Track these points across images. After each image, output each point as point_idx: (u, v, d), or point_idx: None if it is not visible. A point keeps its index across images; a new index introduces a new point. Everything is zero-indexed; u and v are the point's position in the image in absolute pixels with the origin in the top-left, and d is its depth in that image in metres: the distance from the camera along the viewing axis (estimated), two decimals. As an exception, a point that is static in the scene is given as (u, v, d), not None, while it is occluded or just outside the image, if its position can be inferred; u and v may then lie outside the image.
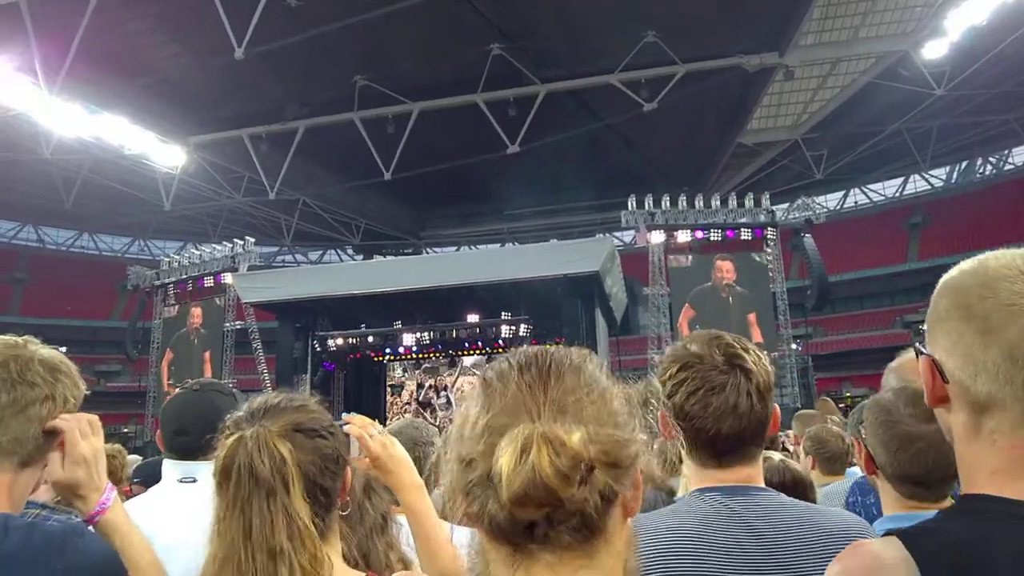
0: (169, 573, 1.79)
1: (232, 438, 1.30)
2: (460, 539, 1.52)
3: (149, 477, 3.73)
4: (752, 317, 20.60)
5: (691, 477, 1.55)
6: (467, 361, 19.78)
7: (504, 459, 0.74)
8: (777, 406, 1.57)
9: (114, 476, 3.99)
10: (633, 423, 0.84)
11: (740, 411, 1.45)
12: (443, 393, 19.91)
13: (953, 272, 1.00)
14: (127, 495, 3.84)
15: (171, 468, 2.15)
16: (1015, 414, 0.90)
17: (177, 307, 23.50)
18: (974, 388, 0.93)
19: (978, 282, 0.95)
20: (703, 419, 1.45)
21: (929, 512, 1.67)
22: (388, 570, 1.39)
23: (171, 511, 2.01)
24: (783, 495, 1.52)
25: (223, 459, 1.29)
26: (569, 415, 0.78)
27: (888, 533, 0.95)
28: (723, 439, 1.45)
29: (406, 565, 1.41)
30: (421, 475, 2.30)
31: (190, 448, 2.14)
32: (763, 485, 1.53)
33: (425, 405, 20.15)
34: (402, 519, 1.55)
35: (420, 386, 20.07)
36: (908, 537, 0.91)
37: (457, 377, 19.98)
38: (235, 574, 1.23)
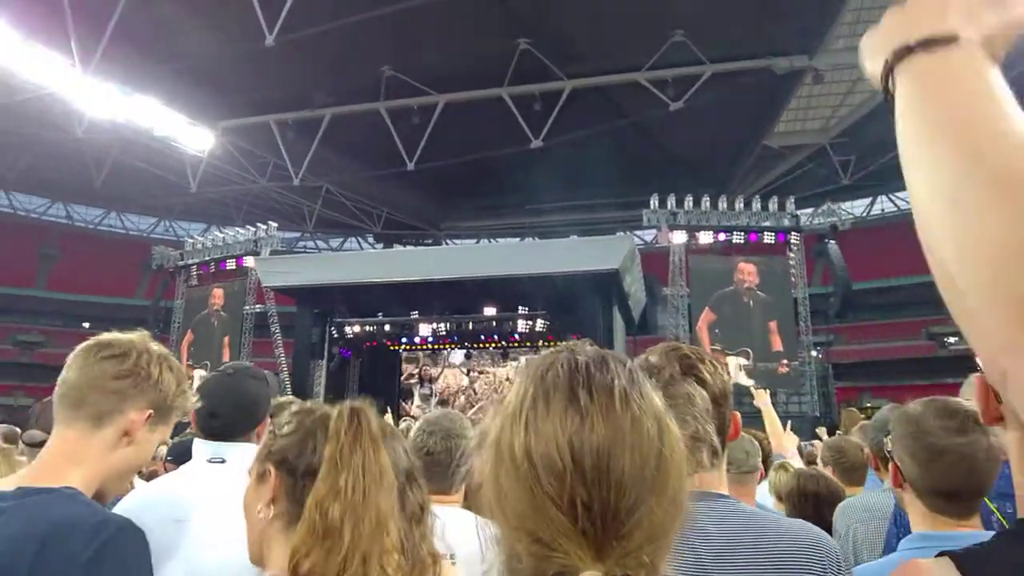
0: (196, 551, 1.87)
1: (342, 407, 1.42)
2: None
3: (181, 456, 3.83)
4: (773, 325, 20.44)
5: None
6: (454, 358, 19.80)
7: None
8: (737, 413, 1.59)
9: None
10: (684, 490, 0.83)
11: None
12: (427, 385, 19.96)
13: None
14: (160, 471, 3.94)
15: (201, 448, 2.19)
16: None
17: (199, 288, 23.79)
18: None
19: None
20: None
21: (961, 532, 1.69)
22: (420, 562, 1.44)
23: (200, 491, 2.07)
24: (742, 503, 1.53)
25: (346, 414, 1.39)
26: (627, 546, 0.76)
27: (942, 554, 0.91)
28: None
29: (435, 559, 1.46)
30: (451, 466, 2.36)
31: (221, 430, 2.19)
32: (724, 492, 1.54)
33: (406, 393, 20.15)
34: (438, 510, 1.60)
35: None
36: (963, 561, 0.87)
37: (442, 370, 20.01)
38: (349, 499, 1.30)
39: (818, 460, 3.97)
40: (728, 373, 1.61)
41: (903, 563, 0.95)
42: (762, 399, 5.05)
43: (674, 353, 1.55)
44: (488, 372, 20.07)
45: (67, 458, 1.56)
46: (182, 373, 1.79)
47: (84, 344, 1.70)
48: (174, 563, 1.81)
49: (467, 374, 20.17)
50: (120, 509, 1.70)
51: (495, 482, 0.82)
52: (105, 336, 1.73)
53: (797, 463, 4.26)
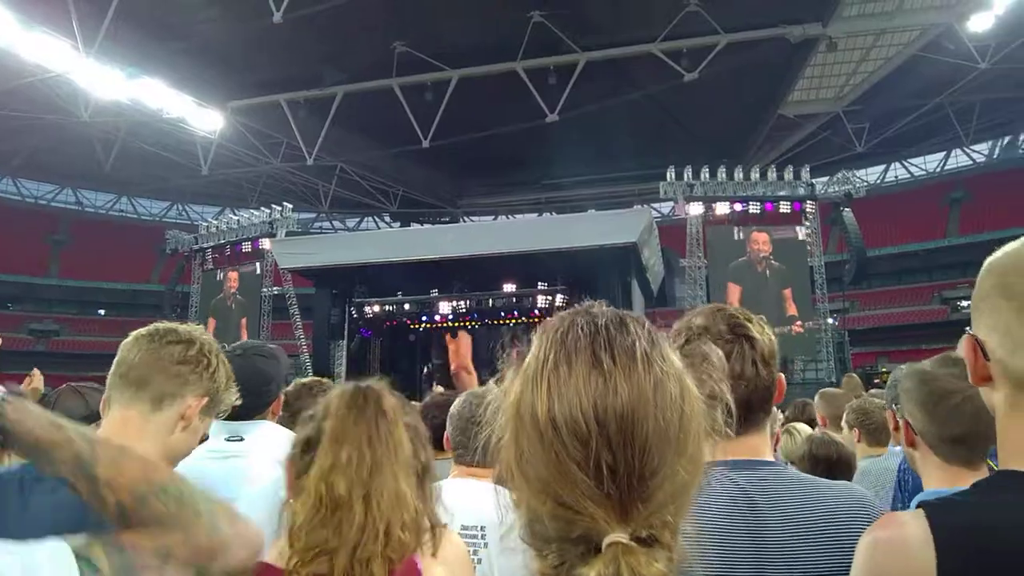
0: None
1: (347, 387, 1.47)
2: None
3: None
4: (788, 292, 20.47)
5: None
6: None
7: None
8: (782, 375, 1.59)
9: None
10: (702, 447, 0.83)
11: (746, 377, 1.49)
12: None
13: (997, 254, 1.01)
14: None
15: (218, 427, 2.21)
16: None
17: (215, 271, 23.80)
18: (1012, 364, 0.95)
19: (1018, 261, 0.97)
20: None
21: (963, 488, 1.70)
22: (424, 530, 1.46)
23: (224, 467, 2.12)
24: (791, 468, 1.54)
25: (349, 392, 1.44)
26: (651, 507, 0.77)
27: (920, 505, 0.96)
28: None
29: (433, 524, 1.47)
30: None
31: (235, 414, 2.17)
32: (770, 457, 1.54)
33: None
34: (441, 483, 1.62)
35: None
36: (933, 511, 0.93)
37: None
38: (356, 471, 1.34)
39: (842, 423, 3.99)
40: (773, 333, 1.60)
41: (886, 515, 1.02)
42: None
43: (720, 313, 1.55)
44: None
45: (128, 437, 1.56)
46: (230, 369, 1.84)
47: (145, 329, 1.73)
48: None
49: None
50: None
51: (516, 446, 0.81)
52: (163, 323, 1.77)
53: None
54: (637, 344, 0.82)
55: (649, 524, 0.76)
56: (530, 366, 0.84)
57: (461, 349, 6.23)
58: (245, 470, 2.11)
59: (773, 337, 1.57)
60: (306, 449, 1.42)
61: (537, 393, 0.80)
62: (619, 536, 0.74)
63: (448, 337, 6.31)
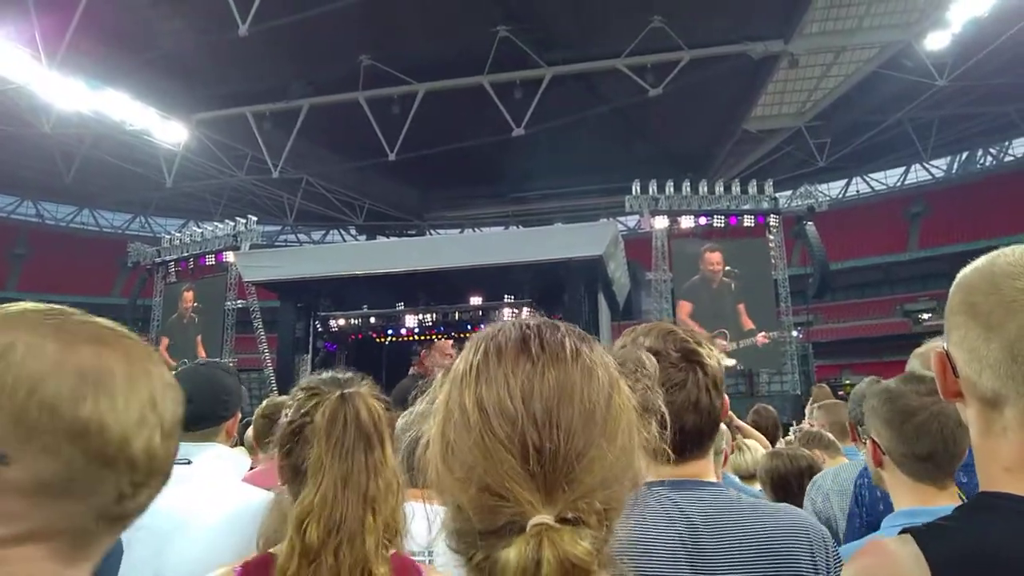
0: (166, 557, 1.82)
1: (332, 396, 1.44)
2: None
3: None
4: (741, 307, 20.68)
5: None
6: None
7: (507, 562, 0.73)
8: (727, 396, 1.57)
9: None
10: (634, 440, 0.83)
11: (701, 407, 1.47)
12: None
13: (967, 268, 1.01)
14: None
15: None
16: (1021, 410, 0.92)
17: (177, 285, 23.44)
18: (980, 383, 0.95)
19: (984, 278, 0.97)
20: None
21: (944, 508, 1.68)
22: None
23: (167, 494, 1.99)
24: (731, 490, 1.51)
25: (329, 412, 1.41)
26: (577, 490, 0.75)
27: (904, 531, 0.95)
28: (685, 435, 1.45)
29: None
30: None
31: (192, 417, 2.07)
32: (713, 479, 1.53)
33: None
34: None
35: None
36: (923, 538, 0.92)
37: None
38: (328, 516, 1.33)
39: (807, 423, 4.04)
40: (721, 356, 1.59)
41: (869, 541, 1.00)
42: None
43: (671, 337, 1.51)
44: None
45: None
46: None
47: None
48: (133, 570, 1.71)
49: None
50: None
51: (442, 439, 0.81)
52: None
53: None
54: (567, 340, 0.83)
55: (576, 507, 0.75)
56: (459, 367, 0.85)
57: (433, 352, 6.32)
58: (191, 497, 2.00)
59: (720, 357, 1.55)
60: (288, 445, 1.47)
61: (466, 383, 0.81)
62: (544, 518, 0.74)
63: (428, 345, 6.44)
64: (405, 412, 2.19)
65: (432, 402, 0.88)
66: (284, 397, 3.12)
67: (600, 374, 0.81)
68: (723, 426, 3.36)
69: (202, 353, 21.70)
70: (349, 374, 1.59)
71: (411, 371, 6.29)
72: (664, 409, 1.10)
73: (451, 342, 6.48)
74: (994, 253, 1.00)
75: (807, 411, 5.95)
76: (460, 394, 0.81)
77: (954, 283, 1.02)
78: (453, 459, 0.79)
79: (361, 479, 1.37)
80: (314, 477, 1.36)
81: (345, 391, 1.44)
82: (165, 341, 22.93)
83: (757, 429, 5.12)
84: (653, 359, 1.38)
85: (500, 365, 0.80)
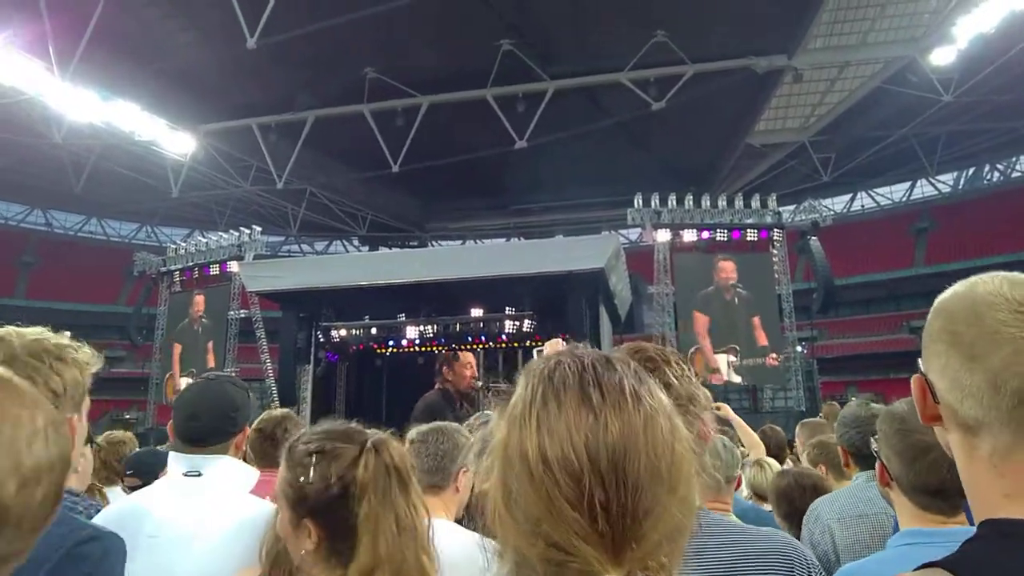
0: (175, 567, 1.86)
1: (357, 453, 1.49)
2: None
3: (140, 468, 3.73)
4: (756, 320, 20.54)
5: None
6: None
7: None
8: (705, 417, 1.52)
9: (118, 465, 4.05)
10: (694, 488, 0.83)
11: None
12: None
13: (946, 293, 1.01)
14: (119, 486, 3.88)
15: (176, 461, 2.15)
16: (1006, 439, 0.91)
17: (182, 294, 23.58)
18: (962, 411, 0.95)
19: (965, 307, 0.96)
20: None
21: (949, 529, 1.69)
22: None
23: (178, 505, 2.03)
24: (713, 514, 1.48)
25: (365, 471, 1.46)
26: (644, 547, 0.75)
27: (929, 565, 0.91)
28: None
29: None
30: (449, 469, 2.39)
31: (201, 434, 2.16)
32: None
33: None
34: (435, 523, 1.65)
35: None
36: (957, 569, 0.87)
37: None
38: (394, 565, 1.41)
39: (802, 459, 4.00)
40: (696, 375, 1.56)
41: None
42: (727, 413, 5.05)
43: (638, 355, 1.45)
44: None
45: None
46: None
47: None
48: None
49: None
50: (96, 523, 1.67)
51: (504, 486, 0.80)
52: None
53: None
54: (625, 381, 0.82)
55: (644, 565, 0.74)
56: (516, 406, 0.83)
57: (457, 367, 6.29)
58: (199, 508, 2.03)
59: (693, 378, 1.51)
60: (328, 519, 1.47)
61: (526, 431, 0.79)
62: None
63: (449, 359, 6.37)
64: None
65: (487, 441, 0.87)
66: (279, 411, 3.16)
67: (662, 423, 0.80)
68: (737, 452, 3.36)
69: (212, 361, 21.79)
70: (340, 422, 1.61)
71: (436, 386, 6.12)
72: (719, 441, 1.07)
73: (471, 356, 6.40)
74: (972, 280, 0.99)
75: (796, 429, 5.91)
76: (520, 441, 0.79)
77: (934, 307, 1.01)
78: (517, 510, 0.78)
79: (410, 516, 1.46)
80: (369, 531, 1.41)
81: (371, 440, 1.51)
82: (178, 348, 23.06)
83: None
84: (706, 392, 1.40)
85: (561, 413, 0.78)
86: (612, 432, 0.77)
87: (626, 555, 0.74)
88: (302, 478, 1.48)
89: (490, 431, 0.87)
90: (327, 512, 1.45)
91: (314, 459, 1.49)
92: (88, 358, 1.56)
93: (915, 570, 0.90)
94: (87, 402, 1.57)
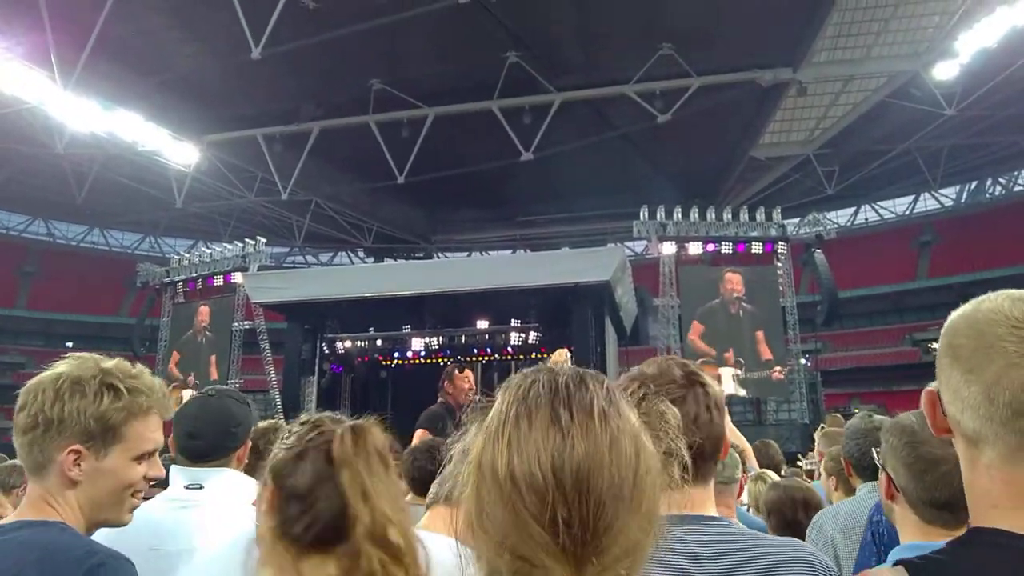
0: None
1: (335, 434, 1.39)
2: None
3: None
4: (760, 334, 20.55)
5: None
6: None
7: None
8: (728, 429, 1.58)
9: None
10: (657, 502, 0.86)
11: (700, 423, 1.45)
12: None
13: (956, 312, 1.07)
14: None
15: (178, 474, 2.16)
16: (1002, 449, 0.96)
17: (185, 305, 23.51)
18: (963, 423, 1.00)
19: (967, 323, 1.02)
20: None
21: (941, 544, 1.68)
22: None
23: (179, 518, 2.03)
24: (734, 523, 1.50)
25: (342, 446, 1.36)
26: (604, 560, 0.80)
27: (899, 563, 0.99)
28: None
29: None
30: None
31: (201, 452, 2.17)
32: (713, 511, 1.49)
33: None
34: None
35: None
36: (916, 571, 0.96)
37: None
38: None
39: (820, 470, 3.99)
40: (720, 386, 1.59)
41: (865, 572, 1.03)
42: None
43: (674, 361, 1.56)
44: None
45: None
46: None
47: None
48: None
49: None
50: (97, 536, 1.65)
51: (477, 500, 0.84)
52: None
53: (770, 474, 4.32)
54: (595, 401, 0.85)
55: None
56: (492, 422, 0.87)
57: (457, 381, 6.59)
58: (201, 521, 2.03)
59: (720, 389, 1.56)
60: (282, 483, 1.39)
61: (498, 448, 0.83)
62: None
63: (451, 373, 6.59)
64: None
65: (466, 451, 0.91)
66: (265, 423, 3.10)
67: (626, 444, 0.84)
68: (735, 454, 3.33)
69: (214, 373, 21.72)
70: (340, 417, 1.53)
71: (439, 399, 6.37)
72: (687, 456, 1.17)
73: (470, 374, 6.66)
74: (980, 298, 1.05)
75: (816, 439, 5.90)
76: (493, 457, 0.84)
77: (944, 326, 1.07)
78: (488, 521, 0.82)
79: (395, 490, 1.36)
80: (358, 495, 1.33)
81: (349, 424, 1.42)
82: (176, 356, 22.99)
83: None
84: (675, 411, 1.38)
85: (531, 432, 0.82)
86: (578, 452, 0.81)
87: (587, 568, 0.79)
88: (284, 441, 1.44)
89: (468, 443, 0.90)
90: (285, 471, 1.38)
91: (302, 423, 1.45)
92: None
93: (882, 567, 1.01)
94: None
